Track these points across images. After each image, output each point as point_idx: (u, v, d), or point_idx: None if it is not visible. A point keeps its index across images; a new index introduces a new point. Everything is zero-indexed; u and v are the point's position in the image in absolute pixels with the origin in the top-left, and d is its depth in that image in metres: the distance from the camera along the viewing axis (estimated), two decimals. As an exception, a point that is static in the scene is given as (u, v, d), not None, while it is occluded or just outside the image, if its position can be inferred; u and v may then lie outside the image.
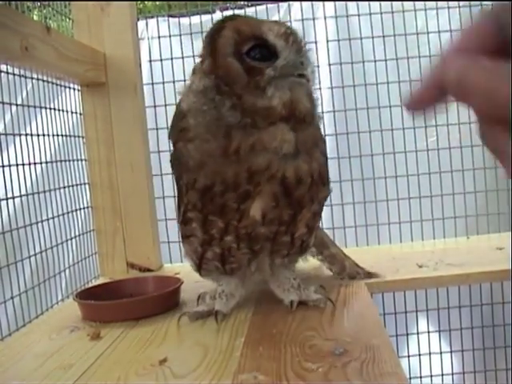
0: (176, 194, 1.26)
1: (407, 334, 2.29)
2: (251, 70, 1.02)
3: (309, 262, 1.46)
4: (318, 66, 1.91)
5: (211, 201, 1.11)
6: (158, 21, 2.50)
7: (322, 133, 1.19)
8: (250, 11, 2.45)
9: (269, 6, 2.42)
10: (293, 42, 1.02)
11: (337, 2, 2.25)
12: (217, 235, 1.16)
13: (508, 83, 0.46)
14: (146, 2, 4.50)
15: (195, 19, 2.44)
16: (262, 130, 1.03)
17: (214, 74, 1.05)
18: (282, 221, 1.14)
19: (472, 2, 2.29)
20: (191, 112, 1.08)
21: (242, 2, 2.55)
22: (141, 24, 2.43)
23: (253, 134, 1.03)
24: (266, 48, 1.02)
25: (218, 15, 2.43)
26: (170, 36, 2.27)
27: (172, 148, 1.18)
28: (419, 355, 2.28)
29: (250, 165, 1.04)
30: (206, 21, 2.38)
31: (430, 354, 2.30)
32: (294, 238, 1.19)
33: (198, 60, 1.11)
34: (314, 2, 2.25)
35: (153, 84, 2.13)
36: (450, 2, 2.22)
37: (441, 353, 2.32)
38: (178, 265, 1.97)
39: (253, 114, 1.02)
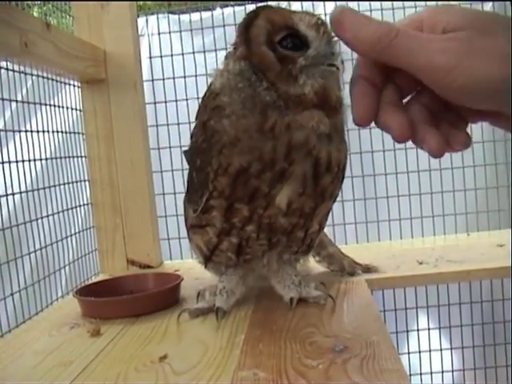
0: (184, 190, 1.26)
1: (407, 331, 2.29)
2: (283, 58, 1.03)
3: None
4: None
5: (244, 185, 1.08)
6: (158, 18, 2.50)
7: None
8: (250, 7, 2.44)
9: (269, 3, 2.42)
10: (324, 33, 1.02)
11: (337, 2, 2.25)
12: (238, 224, 1.14)
13: (369, 26, 0.70)
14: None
15: (195, 16, 2.44)
16: (296, 113, 1.03)
17: (248, 60, 1.05)
18: (302, 212, 1.13)
19: (472, 1, 2.29)
20: (225, 90, 1.07)
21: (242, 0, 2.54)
22: (141, 21, 2.43)
23: (288, 115, 1.03)
24: (297, 38, 1.03)
25: (218, 12, 2.43)
26: (170, 33, 2.27)
27: (197, 131, 1.15)
28: (419, 352, 2.29)
29: (287, 139, 1.03)
30: (206, 18, 2.38)
31: (430, 350, 2.30)
32: (306, 235, 1.19)
33: (230, 48, 1.11)
34: (314, 2, 2.25)
35: (153, 81, 2.13)
36: (451, 1, 2.22)
37: (441, 350, 2.33)
38: (178, 262, 1.97)
39: (286, 100, 1.03)
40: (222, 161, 1.07)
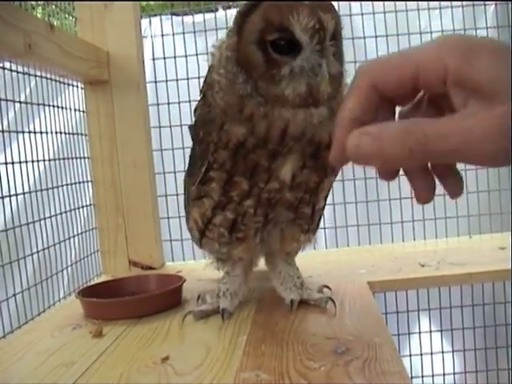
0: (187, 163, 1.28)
1: (409, 334, 2.29)
2: (271, 61, 1.01)
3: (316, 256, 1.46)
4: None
5: (244, 159, 1.09)
6: (161, 19, 2.50)
7: None
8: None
9: None
10: (318, 41, 0.99)
11: (340, 2, 2.25)
12: (236, 198, 1.14)
13: (391, 142, 0.60)
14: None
15: (198, 17, 2.44)
16: (275, 107, 1.03)
17: (236, 53, 1.05)
18: (308, 187, 1.14)
19: (475, 2, 2.29)
20: (216, 68, 1.08)
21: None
22: (144, 22, 2.43)
23: (264, 105, 1.03)
24: (290, 41, 1.00)
25: (221, 14, 2.43)
26: (173, 34, 2.28)
27: (201, 104, 1.17)
28: (421, 355, 2.29)
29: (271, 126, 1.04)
30: (209, 19, 2.38)
31: (431, 353, 2.30)
32: (314, 211, 1.20)
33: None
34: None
35: (156, 82, 2.13)
36: (453, 2, 2.22)
37: (442, 352, 2.32)
38: (180, 263, 1.98)
39: (266, 97, 1.03)
40: (222, 135, 1.09)
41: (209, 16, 2.43)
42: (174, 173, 2.04)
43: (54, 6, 2.00)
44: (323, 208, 1.25)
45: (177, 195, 2.00)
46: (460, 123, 0.57)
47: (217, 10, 2.49)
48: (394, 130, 0.61)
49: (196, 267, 1.86)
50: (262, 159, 1.08)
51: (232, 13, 2.38)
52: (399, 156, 0.60)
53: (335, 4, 1.04)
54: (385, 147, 0.60)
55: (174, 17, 2.54)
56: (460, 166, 2.18)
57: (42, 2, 2.02)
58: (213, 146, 1.11)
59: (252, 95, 1.03)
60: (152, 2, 4.46)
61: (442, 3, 2.22)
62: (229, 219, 1.18)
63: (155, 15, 2.61)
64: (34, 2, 2.25)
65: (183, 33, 2.28)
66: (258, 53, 1.02)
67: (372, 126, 0.63)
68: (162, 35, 2.32)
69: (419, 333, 2.33)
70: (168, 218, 2.11)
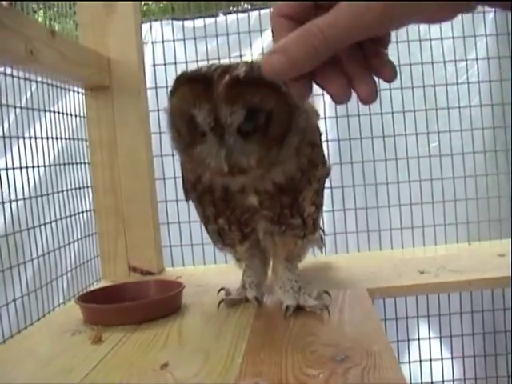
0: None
1: (408, 340, 2.29)
2: (192, 134, 1.11)
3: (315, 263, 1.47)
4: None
5: (202, 196, 1.22)
6: (161, 24, 2.51)
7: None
8: (253, 15, 2.45)
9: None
10: (216, 134, 1.05)
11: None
12: (211, 216, 1.26)
13: (297, 49, 0.64)
14: (150, 4, 4.51)
15: (199, 22, 2.45)
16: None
17: (170, 117, 1.16)
18: (282, 204, 1.19)
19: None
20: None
21: (245, 6, 2.55)
22: (144, 27, 2.43)
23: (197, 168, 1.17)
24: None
25: (221, 19, 2.44)
26: (173, 40, 2.28)
27: None
28: (420, 361, 2.28)
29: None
30: (210, 24, 2.39)
31: (431, 360, 2.30)
32: (304, 219, 1.24)
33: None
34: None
35: (156, 88, 2.13)
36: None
37: (442, 359, 2.32)
38: (180, 268, 1.98)
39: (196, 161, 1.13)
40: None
41: (209, 21, 2.44)
42: (174, 178, 2.03)
43: (55, 10, 2.00)
44: (318, 210, 1.28)
45: (177, 201, 2.01)
46: (343, 7, 0.63)
47: (217, 15, 2.50)
48: (295, 37, 0.65)
49: (195, 272, 1.87)
50: (218, 199, 1.19)
51: (232, 18, 2.39)
52: (308, 57, 0.65)
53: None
54: (293, 55, 0.65)
55: (174, 22, 2.55)
56: (460, 173, 2.16)
57: (43, 6, 2.02)
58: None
59: (180, 151, 1.17)
60: (153, 5, 4.47)
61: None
62: (214, 229, 1.29)
63: (156, 20, 2.61)
64: (35, 6, 2.25)
65: (184, 39, 2.28)
66: (183, 123, 1.11)
67: (276, 43, 0.67)
68: (163, 41, 2.32)
69: (418, 339, 2.33)
70: (168, 223, 2.11)
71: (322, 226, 1.71)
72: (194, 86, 1.06)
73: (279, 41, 0.67)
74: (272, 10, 0.70)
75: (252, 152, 1.07)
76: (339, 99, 0.71)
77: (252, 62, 1.08)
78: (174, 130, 1.15)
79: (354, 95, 0.71)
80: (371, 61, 0.71)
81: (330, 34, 0.63)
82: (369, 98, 0.70)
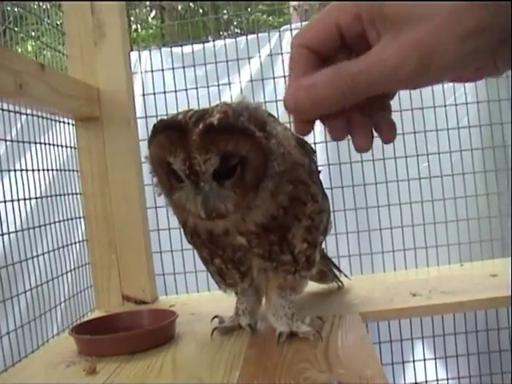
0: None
1: (403, 362, 2.29)
2: (170, 180, 1.12)
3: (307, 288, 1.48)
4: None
5: (191, 237, 1.25)
6: (150, 52, 2.53)
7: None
8: (240, 40, 2.48)
9: (260, 35, 2.46)
10: (191, 181, 1.07)
11: None
12: (207, 257, 1.27)
13: (324, 91, 0.64)
14: (139, 31, 4.55)
15: (187, 49, 2.47)
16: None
17: (150, 164, 1.17)
18: (271, 242, 1.19)
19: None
20: None
21: (235, 31, 2.58)
22: (133, 56, 2.45)
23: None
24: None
25: (209, 45, 2.47)
26: (162, 70, 2.30)
27: None
28: (416, 383, 2.28)
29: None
30: (198, 50, 2.42)
31: (426, 381, 2.30)
32: (295, 255, 1.23)
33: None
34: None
35: (146, 117, 2.15)
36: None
37: (437, 380, 2.32)
38: (174, 297, 1.98)
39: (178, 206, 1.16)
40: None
41: (197, 47, 2.46)
42: (166, 207, 2.05)
43: (43, 39, 2.02)
44: (312, 247, 1.27)
45: (169, 229, 2.02)
46: (376, 55, 0.62)
47: (207, 41, 2.53)
48: (324, 78, 0.64)
49: (189, 300, 1.86)
50: (207, 240, 1.21)
51: (221, 44, 2.42)
52: (334, 100, 0.64)
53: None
54: (319, 97, 0.65)
55: (163, 48, 2.57)
56: (450, 194, 2.17)
57: (32, 35, 2.04)
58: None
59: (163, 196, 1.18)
60: (143, 33, 4.51)
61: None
62: (214, 270, 1.30)
63: (145, 48, 2.64)
64: (24, 35, 2.27)
65: (173, 68, 2.30)
66: (162, 171, 1.13)
67: (303, 79, 0.66)
68: (152, 71, 2.34)
69: (413, 361, 2.33)
70: (160, 252, 2.12)
71: (337, 265, 1.74)
72: (169, 133, 1.07)
73: (295, 70, 0.68)
74: (294, 37, 0.69)
75: (228, 197, 1.08)
76: (334, 138, 0.71)
77: (230, 105, 1.09)
78: (156, 177, 1.17)
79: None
80: (374, 112, 0.71)
81: (361, 83, 0.63)
82: (363, 149, 0.71)
